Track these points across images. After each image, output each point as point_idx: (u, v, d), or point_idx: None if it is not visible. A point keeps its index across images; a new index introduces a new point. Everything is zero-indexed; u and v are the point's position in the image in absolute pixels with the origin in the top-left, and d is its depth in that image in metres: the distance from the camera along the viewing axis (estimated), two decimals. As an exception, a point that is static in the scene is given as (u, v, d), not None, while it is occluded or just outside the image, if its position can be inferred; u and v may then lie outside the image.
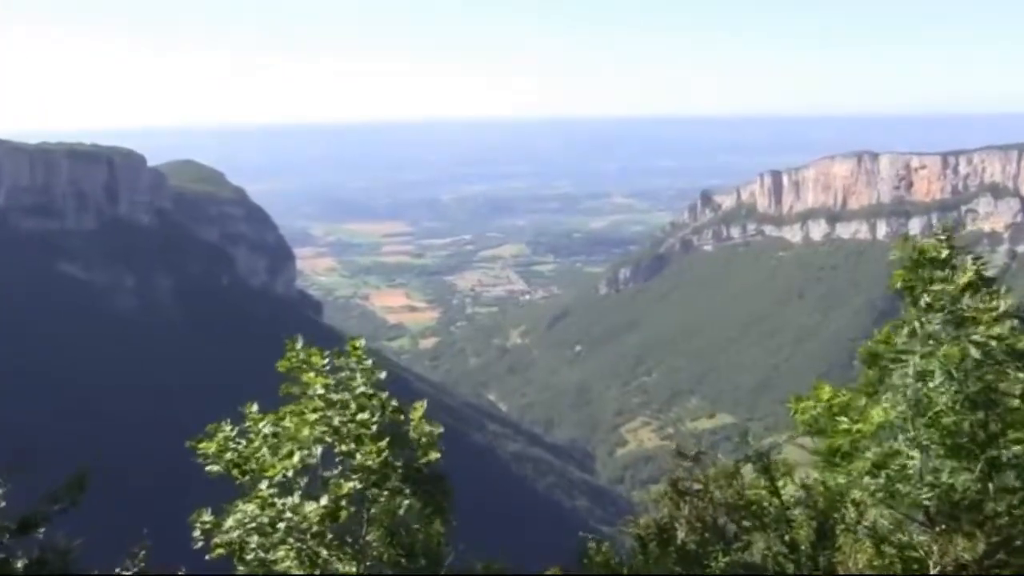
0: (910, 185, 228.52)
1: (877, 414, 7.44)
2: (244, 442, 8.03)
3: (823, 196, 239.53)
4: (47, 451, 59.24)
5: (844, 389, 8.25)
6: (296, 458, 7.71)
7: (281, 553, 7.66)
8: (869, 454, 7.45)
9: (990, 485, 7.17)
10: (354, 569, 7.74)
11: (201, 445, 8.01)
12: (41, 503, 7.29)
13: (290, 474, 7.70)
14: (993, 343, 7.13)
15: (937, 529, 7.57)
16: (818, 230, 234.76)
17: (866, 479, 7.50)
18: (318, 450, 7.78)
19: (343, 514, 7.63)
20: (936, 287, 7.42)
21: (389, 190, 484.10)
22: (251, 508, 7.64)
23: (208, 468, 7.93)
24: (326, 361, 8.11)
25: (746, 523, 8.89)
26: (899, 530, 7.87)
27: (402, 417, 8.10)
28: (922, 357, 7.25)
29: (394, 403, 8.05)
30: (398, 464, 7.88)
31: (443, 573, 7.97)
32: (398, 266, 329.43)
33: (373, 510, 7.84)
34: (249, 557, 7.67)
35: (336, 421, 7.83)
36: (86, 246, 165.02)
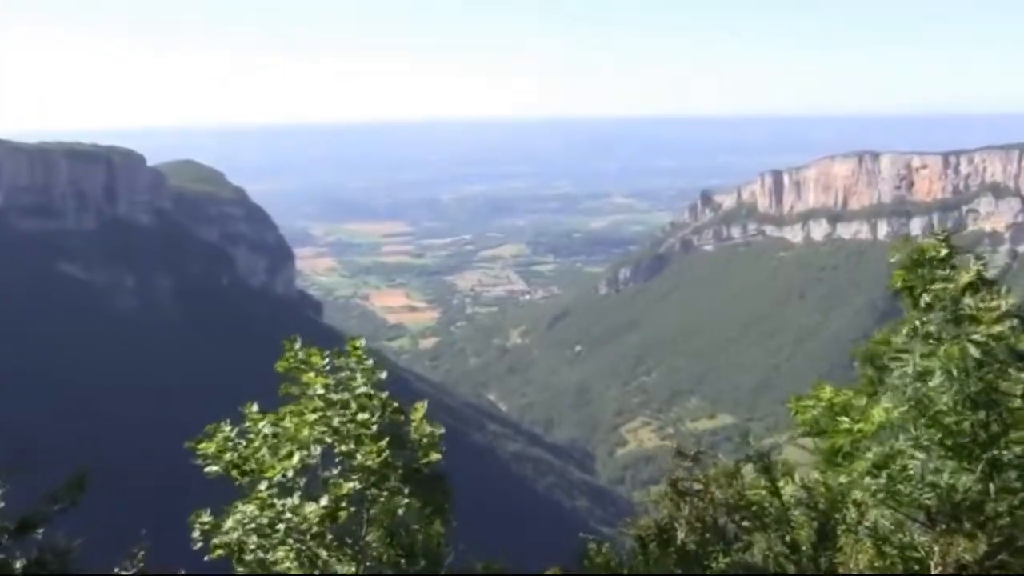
0: (911, 185, 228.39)
1: (878, 414, 7.42)
2: (244, 442, 8.00)
3: (824, 196, 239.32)
4: (47, 451, 59.26)
5: (845, 389, 8.23)
6: (296, 458, 7.68)
7: (281, 554, 7.64)
8: (870, 454, 7.43)
9: (991, 485, 7.15)
10: (354, 570, 7.72)
11: (201, 445, 7.98)
12: (41, 503, 7.27)
13: (290, 474, 7.67)
14: (994, 342, 7.11)
15: (938, 530, 7.56)
16: (819, 230, 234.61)
17: (867, 479, 7.48)
18: (318, 450, 7.75)
19: (343, 515, 7.61)
20: (936, 287, 7.41)
21: (389, 190, 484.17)
22: (251, 509, 7.61)
23: (208, 469, 7.90)
24: (326, 361, 8.09)
25: (746, 524, 8.88)
26: (900, 530, 7.85)
27: (402, 417, 8.09)
28: (922, 356, 7.24)
29: (395, 404, 8.04)
30: (398, 464, 7.87)
31: (443, 573, 7.96)
32: (398, 266, 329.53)
33: (373, 511, 7.81)
34: (248, 558, 7.64)
35: (336, 421, 7.80)
36: (86, 246, 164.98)
